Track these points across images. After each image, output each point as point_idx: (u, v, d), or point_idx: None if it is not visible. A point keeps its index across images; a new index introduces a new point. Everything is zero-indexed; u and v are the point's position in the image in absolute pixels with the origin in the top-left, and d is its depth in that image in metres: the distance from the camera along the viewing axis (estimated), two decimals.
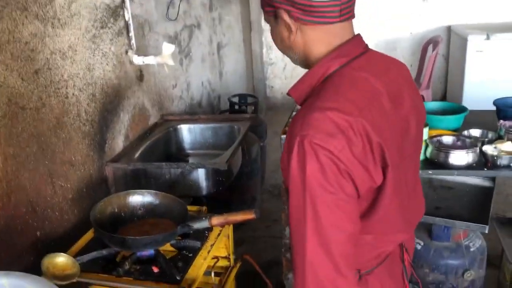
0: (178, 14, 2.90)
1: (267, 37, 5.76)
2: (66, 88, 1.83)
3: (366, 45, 1.08)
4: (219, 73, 3.90)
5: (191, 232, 1.65)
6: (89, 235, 1.74)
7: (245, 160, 3.04)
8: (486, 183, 2.12)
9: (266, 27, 5.72)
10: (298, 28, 1.01)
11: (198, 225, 1.54)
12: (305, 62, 1.07)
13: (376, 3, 5.31)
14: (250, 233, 3.26)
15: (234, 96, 3.75)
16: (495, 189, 2.02)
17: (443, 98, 5.49)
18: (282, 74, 5.91)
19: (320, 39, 1.01)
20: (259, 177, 3.44)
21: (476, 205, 1.97)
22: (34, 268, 1.63)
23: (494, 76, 4.50)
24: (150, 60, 2.30)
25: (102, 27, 2.08)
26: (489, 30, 4.57)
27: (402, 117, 1.06)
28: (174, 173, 2.12)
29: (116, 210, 1.71)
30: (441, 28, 5.27)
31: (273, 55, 5.84)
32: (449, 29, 5.21)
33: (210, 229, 1.69)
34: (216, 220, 1.52)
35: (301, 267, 0.94)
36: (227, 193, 3.19)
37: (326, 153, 0.90)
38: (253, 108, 3.69)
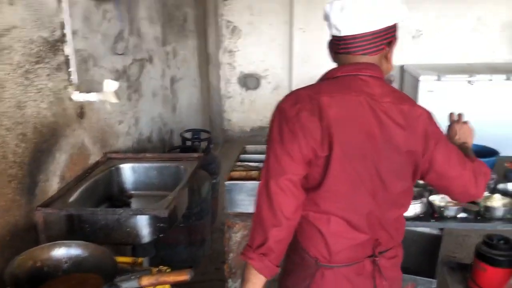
0: (127, 48, 2.80)
1: (225, 70, 5.74)
2: None
3: (373, 74, 1.31)
4: (172, 108, 3.80)
5: None
6: None
7: (194, 199, 2.93)
8: (435, 231, 2.09)
9: (223, 60, 5.71)
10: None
11: (127, 284, 1.41)
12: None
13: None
14: (198, 276, 3.11)
15: (187, 131, 3.65)
16: (442, 239, 1.99)
17: None
18: (240, 107, 5.87)
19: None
20: (209, 216, 3.32)
21: (424, 255, 1.93)
22: None
23: (445, 115, 4.59)
24: (91, 97, 2.18)
25: (37, 62, 1.95)
26: (440, 71, 4.70)
27: (369, 128, 1.27)
28: (110, 219, 1.97)
29: (38, 265, 1.55)
30: (394, 67, 5.39)
31: (231, 88, 5.80)
32: (402, 68, 5.34)
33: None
34: (146, 280, 1.39)
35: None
36: (173, 236, 3.06)
37: (283, 115, 1.28)
38: (206, 143, 3.60)
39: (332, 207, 1.31)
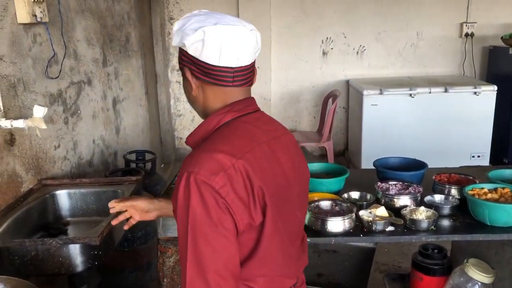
0: (61, 71, 2.74)
1: (174, 89, 5.73)
2: None
3: (258, 107, 1.27)
4: (115, 129, 3.73)
5: None
6: None
7: (137, 223, 2.87)
8: (370, 245, 2.14)
9: (172, 78, 5.69)
10: (199, 86, 1.19)
11: None
12: (204, 114, 1.23)
13: (279, 56, 5.49)
14: None
15: (131, 152, 3.59)
16: (376, 252, 2.04)
17: (346, 149, 5.70)
18: (191, 125, 5.85)
19: (216, 97, 1.19)
20: (156, 239, 3.26)
21: (358, 269, 1.96)
22: None
23: (388, 128, 4.76)
24: (19, 123, 2.12)
25: None
26: (382, 85, 4.86)
27: (283, 169, 1.20)
28: (40, 249, 1.91)
29: None
30: (340, 81, 5.55)
31: (181, 106, 5.79)
32: (347, 83, 5.49)
33: None
34: None
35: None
36: (118, 260, 2.99)
37: (208, 189, 1.04)
38: (150, 165, 3.55)
39: (265, 271, 1.19)
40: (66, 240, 1.89)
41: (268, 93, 5.52)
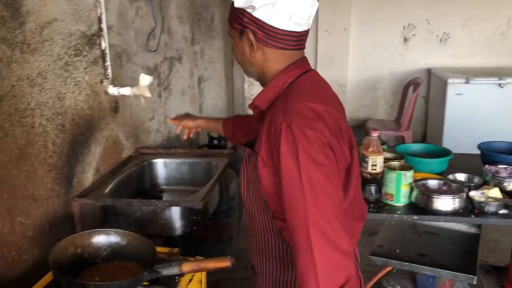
0: (158, 45, 2.83)
1: None
2: (33, 117, 1.71)
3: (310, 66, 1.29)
4: (199, 107, 3.82)
5: (160, 277, 1.52)
6: (47, 278, 1.58)
7: (222, 197, 2.93)
8: (472, 230, 2.05)
9: None
10: (259, 48, 1.20)
11: (167, 271, 1.41)
12: (261, 75, 1.25)
13: (358, 41, 5.37)
14: (226, 275, 3.10)
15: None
16: (480, 237, 1.95)
17: (423, 139, 5.50)
18: None
19: (277, 59, 1.21)
20: (237, 215, 3.32)
21: (462, 253, 1.89)
22: None
23: (473, 118, 4.54)
24: (126, 91, 2.21)
25: (76, 55, 1.98)
26: (468, 73, 4.63)
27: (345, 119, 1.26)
28: (145, 210, 1.99)
29: (79, 251, 1.56)
30: (421, 70, 5.34)
31: (254, 90, 5.81)
32: (429, 71, 5.28)
33: (181, 274, 1.56)
34: (187, 266, 1.39)
35: (305, 240, 1.04)
36: (202, 232, 3.07)
37: (313, 132, 1.07)
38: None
39: (352, 213, 1.23)
40: (171, 202, 1.95)
41: (345, 79, 5.43)
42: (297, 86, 1.19)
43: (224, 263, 1.37)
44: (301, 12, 1.16)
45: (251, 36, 1.18)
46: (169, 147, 3.05)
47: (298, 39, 1.20)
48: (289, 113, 1.10)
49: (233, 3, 1.19)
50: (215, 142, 3.56)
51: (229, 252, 3.22)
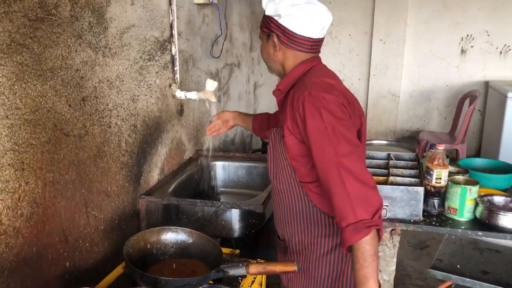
0: (221, 52, 2.91)
1: None
2: (110, 117, 1.82)
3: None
4: (253, 112, 3.88)
5: (224, 277, 1.58)
6: (119, 270, 1.67)
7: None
8: None
9: None
10: (281, 49, 1.46)
11: (234, 271, 1.46)
12: (280, 71, 1.53)
13: (413, 51, 5.30)
14: (273, 280, 3.14)
15: None
16: None
17: (477, 154, 5.35)
18: None
19: (296, 58, 1.47)
20: None
21: None
22: None
23: None
24: (192, 95, 2.29)
25: (149, 59, 2.08)
26: None
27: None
28: (207, 211, 2.06)
29: (148, 246, 1.65)
30: (478, 82, 5.20)
31: None
32: (486, 84, 5.14)
33: (245, 276, 1.61)
34: (254, 268, 1.43)
35: (338, 180, 1.26)
36: (254, 236, 3.11)
37: (329, 95, 1.33)
38: None
39: None
40: (233, 204, 2.01)
41: (398, 89, 5.36)
42: (312, 71, 1.45)
43: (290, 267, 1.41)
44: (317, 22, 1.42)
45: (275, 39, 1.45)
46: (225, 151, 3.13)
47: (313, 44, 1.45)
48: (308, 85, 1.36)
49: (265, 11, 1.46)
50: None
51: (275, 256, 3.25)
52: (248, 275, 1.50)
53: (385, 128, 5.56)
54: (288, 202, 1.51)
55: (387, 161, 2.17)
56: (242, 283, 1.62)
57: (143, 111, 2.05)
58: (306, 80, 1.40)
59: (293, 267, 1.40)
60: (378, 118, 5.51)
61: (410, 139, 5.46)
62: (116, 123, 1.86)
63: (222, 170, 2.60)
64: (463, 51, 5.23)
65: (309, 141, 1.33)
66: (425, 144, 4.61)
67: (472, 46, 5.19)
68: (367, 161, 2.15)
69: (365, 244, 1.22)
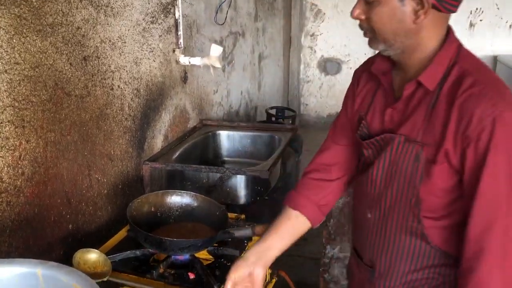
0: (225, 19, 2.85)
1: (305, 54, 5.71)
2: (112, 79, 1.77)
3: None
4: (258, 84, 3.83)
5: (230, 240, 1.55)
6: (122, 233, 1.65)
7: (281, 173, 2.94)
8: None
9: (305, 43, 5.66)
10: (428, 12, 0.98)
11: (241, 233, 1.44)
12: (410, 49, 1.05)
13: None
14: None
15: (272, 108, 3.67)
16: None
17: None
18: (318, 92, 5.82)
19: (441, 26, 1.03)
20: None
21: None
22: (62, 262, 1.55)
23: None
24: (196, 61, 2.24)
25: (152, 22, 2.03)
26: None
27: None
28: (212, 177, 2.03)
29: (152, 209, 1.62)
30: (486, 57, 5.11)
31: (310, 72, 5.77)
32: (495, 58, 5.05)
33: (249, 239, 1.58)
34: (260, 229, 1.41)
35: (500, 246, 0.95)
36: (258, 208, 3.09)
37: None
38: (290, 122, 3.59)
39: None
40: (238, 170, 1.98)
41: None
42: (474, 63, 1.04)
43: None
44: None
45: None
46: (230, 121, 3.09)
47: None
48: (495, 95, 0.95)
49: None
50: (273, 119, 3.57)
51: None
52: (254, 236, 1.47)
53: None
54: (394, 231, 1.15)
55: None
56: (248, 246, 1.59)
57: (146, 75, 2.00)
58: (481, 82, 0.98)
59: None
60: None
61: None
62: (118, 86, 1.81)
63: (227, 140, 2.56)
64: (471, 25, 5.13)
65: (479, 181, 0.96)
66: None
67: (481, 20, 5.08)
68: None
69: None
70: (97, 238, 1.71)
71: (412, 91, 1.06)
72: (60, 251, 1.56)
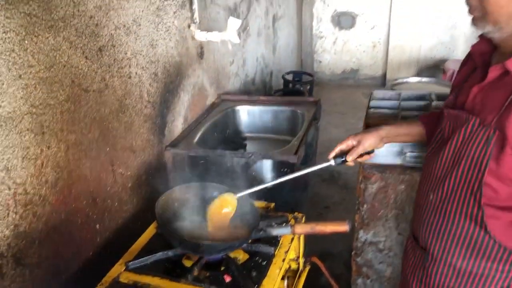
0: None
1: (318, 8, 5.46)
2: (129, 67, 1.66)
3: None
4: (272, 48, 3.67)
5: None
6: (150, 231, 1.59)
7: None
8: None
9: None
10: None
11: (278, 231, 1.37)
12: None
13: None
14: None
15: (288, 73, 3.53)
16: None
17: None
18: (332, 48, 5.62)
19: None
20: (314, 161, 3.25)
21: None
22: (93, 263, 1.52)
23: None
24: (213, 36, 2.11)
25: None
26: None
27: None
28: (237, 162, 1.95)
29: (176, 205, 1.55)
30: None
31: (323, 27, 5.55)
32: None
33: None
34: (300, 229, 1.34)
35: None
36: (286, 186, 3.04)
37: None
38: (308, 87, 3.47)
39: None
40: (265, 155, 1.89)
41: (419, 14, 5.04)
42: None
43: (342, 227, 1.30)
44: None
45: None
46: (245, 92, 2.97)
47: None
48: None
49: None
50: (290, 85, 3.45)
51: (304, 198, 3.19)
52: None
53: (408, 57, 5.30)
54: (453, 217, 1.15)
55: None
56: (281, 241, 1.54)
57: (163, 57, 1.89)
58: None
59: (344, 227, 1.30)
60: (401, 47, 5.24)
61: (434, 69, 5.22)
62: (136, 73, 1.71)
63: (247, 115, 2.46)
64: None
65: None
66: (451, 73, 4.39)
67: None
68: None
69: None
70: (125, 233, 1.67)
71: (499, 75, 1.05)
72: (89, 253, 1.52)
